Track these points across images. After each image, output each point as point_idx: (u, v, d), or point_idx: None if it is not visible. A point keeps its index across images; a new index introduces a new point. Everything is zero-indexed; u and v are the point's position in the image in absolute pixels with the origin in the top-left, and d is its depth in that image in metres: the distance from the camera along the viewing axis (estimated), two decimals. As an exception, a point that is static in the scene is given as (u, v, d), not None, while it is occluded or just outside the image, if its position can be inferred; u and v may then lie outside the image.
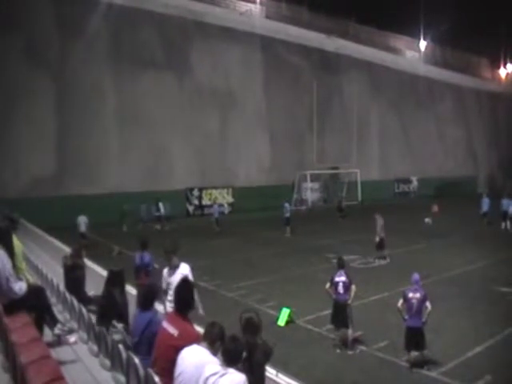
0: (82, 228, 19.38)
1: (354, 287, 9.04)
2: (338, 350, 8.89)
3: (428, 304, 8.01)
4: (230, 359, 3.48)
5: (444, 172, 47.75)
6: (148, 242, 9.77)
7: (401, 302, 8.25)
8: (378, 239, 16.59)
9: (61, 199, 24.56)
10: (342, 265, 9.33)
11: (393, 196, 44.31)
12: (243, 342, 3.72)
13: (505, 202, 23.61)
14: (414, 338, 7.97)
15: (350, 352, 8.82)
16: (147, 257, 9.55)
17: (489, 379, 7.59)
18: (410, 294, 8.11)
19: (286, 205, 23.69)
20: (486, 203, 24.19)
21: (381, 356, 8.61)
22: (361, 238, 21.62)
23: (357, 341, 9.14)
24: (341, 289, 9.00)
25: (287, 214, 23.13)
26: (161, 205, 25.27)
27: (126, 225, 24.30)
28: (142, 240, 9.75)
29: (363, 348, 8.98)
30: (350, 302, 8.98)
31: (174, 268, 6.44)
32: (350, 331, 8.94)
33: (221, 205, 32.66)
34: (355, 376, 7.93)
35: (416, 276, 8.39)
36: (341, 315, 8.94)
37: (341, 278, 9.06)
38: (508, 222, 23.37)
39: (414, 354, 8.03)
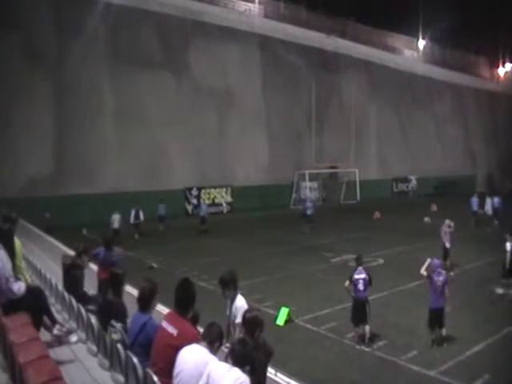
0: (116, 225, 20.58)
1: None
2: (357, 346, 8.99)
3: (446, 288, 8.90)
4: (237, 361, 3.51)
5: (443, 171, 47.66)
6: (112, 240, 9.32)
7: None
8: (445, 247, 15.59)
9: (59, 199, 24.52)
10: (360, 262, 9.42)
11: (391, 195, 44.30)
12: (250, 343, 3.76)
13: (496, 200, 24.17)
14: (438, 317, 8.80)
15: (366, 349, 8.87)
16: (115, 255, 8.99)
17: (487, 378, 7.61)
18: (435, 278, 8.91)
19: (308, 203, 24.59)
20: (475, 203, 24.37)
21: (380, 355, 8.62)
22: (359, 236, 21.67)
23: (375, 337, 9.21)
24: (361, 286, 9.11)
25: (308, 211, 23.84)
26: (141, 212, 22.86)
27: (162, 225, 24.69)
28: (106, 238, 9.23)
29: (362, 347, 8.99)
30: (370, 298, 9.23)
31: (230, 301, 5.71)
32: (368, 327, 9.05)
33: (220, 204, 32.79)
34: (354, 375, 7.93)
35: (436, 261, 9.25)
36: (361, 312, 9.07)
37: (360, 276, 9.17)
38: (495, 220, 23.81)
39: (437, 331, 8.90)
